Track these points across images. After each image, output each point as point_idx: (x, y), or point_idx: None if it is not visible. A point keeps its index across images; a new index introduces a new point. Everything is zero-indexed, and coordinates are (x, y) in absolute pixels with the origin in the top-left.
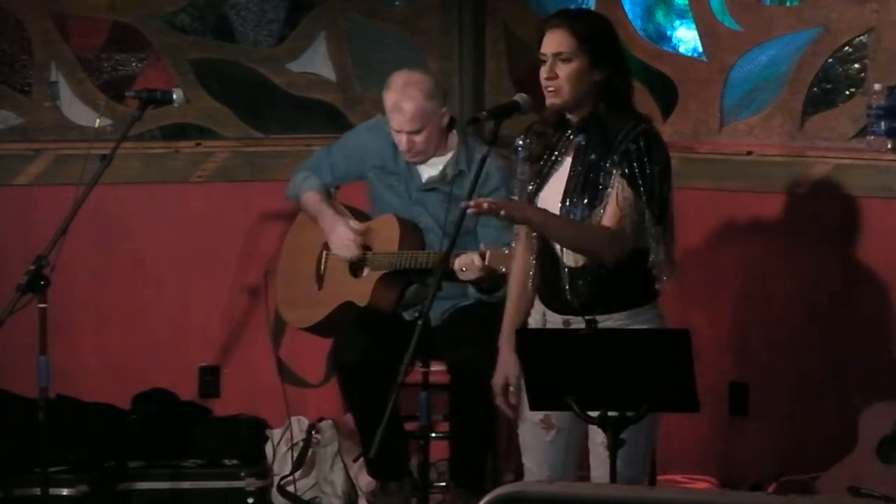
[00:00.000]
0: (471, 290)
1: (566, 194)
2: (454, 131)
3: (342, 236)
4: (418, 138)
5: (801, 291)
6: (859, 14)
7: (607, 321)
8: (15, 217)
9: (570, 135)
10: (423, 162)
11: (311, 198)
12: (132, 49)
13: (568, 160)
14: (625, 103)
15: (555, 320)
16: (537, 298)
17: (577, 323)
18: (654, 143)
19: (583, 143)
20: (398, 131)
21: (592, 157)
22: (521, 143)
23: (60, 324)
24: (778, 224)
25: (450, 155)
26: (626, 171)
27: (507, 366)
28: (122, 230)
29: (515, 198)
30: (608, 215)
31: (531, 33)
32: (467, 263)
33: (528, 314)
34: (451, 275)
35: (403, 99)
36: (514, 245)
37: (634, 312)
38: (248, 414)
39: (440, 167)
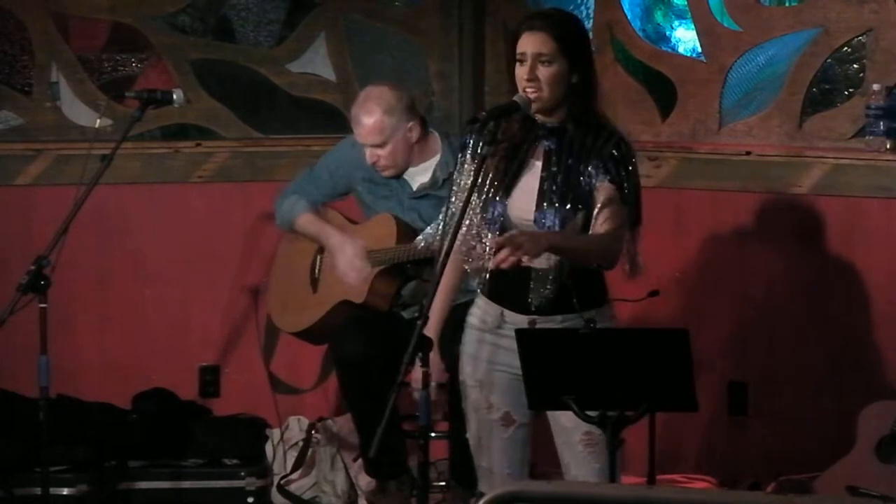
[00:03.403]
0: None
1: (540, 198)
2: (435, 135)
3: (350, 258)
4: (381, 152)
5: (801, 291)
6: (858, 14)
7: (566, 322)
8: (15, 217)
9: (538, 138)
10: (396, 175)
11: (307, 219)
12: (133, 49)
13: (537, 164)
14: (594, 107)
15: (517, 320)
16: (487, 299)
17: (544, 323)
18: (631, 149)
19: (553, 146)
20: (362, 144)
21: (569, 161)
22: (473, 139)
23: (61, 324)
24: (777, 224)
25: (436, 158)
26: (614, 176)
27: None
28: (123, 230)
29: (456, 190)
30: (603, 219)
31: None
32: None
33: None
34: None
35: (362, 112)
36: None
37: (608, 307)
38: (248, 414)
39: (429, 173)
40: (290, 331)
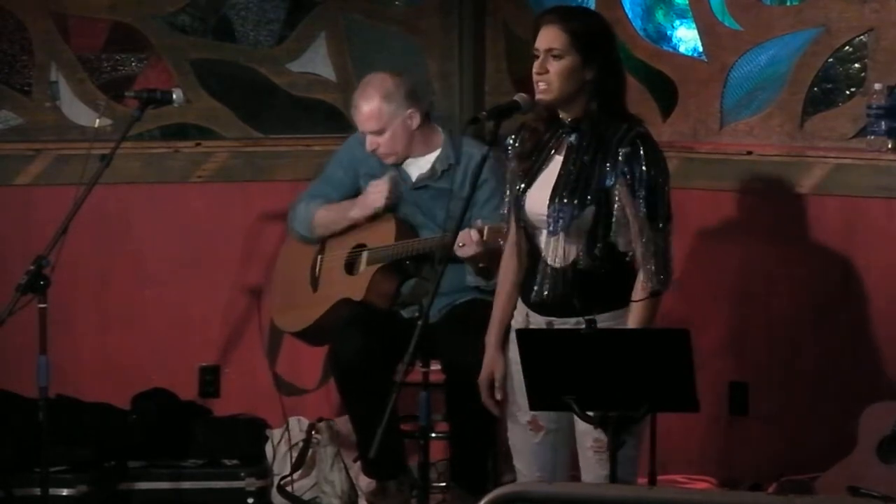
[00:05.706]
0: (469, 277)
1: (555, 192)
2: (437, 128)
3: (372, 191)
4: (380, 139)
5: (801, 291)
6: (859, 14)
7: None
8: (15, 217)
9: (562, 133)
10: (398, 163)
11: (322, 212)
12: (132, 49)
13: (558, 158)
14: (616, 104)
15: (537, 321)
16: (520, 299)
17: (561, 324)
18: (649, 145)
19: (574, 142)
20: (361, 132)
21: (585, 158)
22: (511, 140)
23: (60, 324)
24: (778, 224)
25: (437, 152)
26: (627, 176)
27: (492, 363)
28: (123, 230)
29: (508, 194)
30: (638, 251)
31: (531, 33)
32: (465, 238)
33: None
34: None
35: (360, 99)
36: (502, 242)
37: (617, 314)
38: (248, 414)
39: (429, 165)
40: (290, 330)
